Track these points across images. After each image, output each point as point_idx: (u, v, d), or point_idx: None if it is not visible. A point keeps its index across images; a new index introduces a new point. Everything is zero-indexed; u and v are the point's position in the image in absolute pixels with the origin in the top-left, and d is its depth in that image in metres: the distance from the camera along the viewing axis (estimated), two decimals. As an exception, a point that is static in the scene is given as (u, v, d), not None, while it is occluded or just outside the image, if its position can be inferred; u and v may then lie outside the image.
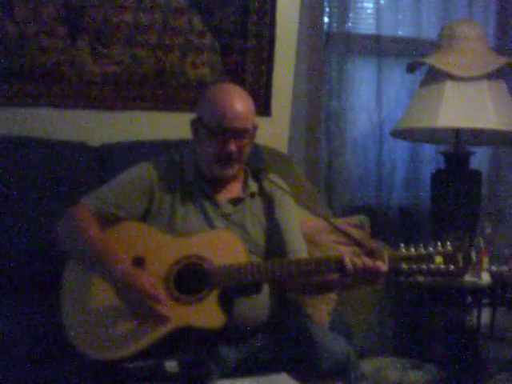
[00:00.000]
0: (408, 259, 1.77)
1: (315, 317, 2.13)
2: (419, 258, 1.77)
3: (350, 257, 1.75)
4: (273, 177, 2.04)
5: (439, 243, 1.79)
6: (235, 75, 2.83)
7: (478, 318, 2.84)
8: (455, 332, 2.74)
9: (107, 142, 2.61)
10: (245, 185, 2.00)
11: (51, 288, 1.83)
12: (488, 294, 2.72)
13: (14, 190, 2.33)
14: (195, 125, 1.96)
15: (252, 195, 1.99)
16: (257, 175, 2.01)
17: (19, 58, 2.61)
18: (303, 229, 2.16)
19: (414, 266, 1.77)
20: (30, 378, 1.76)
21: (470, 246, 2.60)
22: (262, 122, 2.84)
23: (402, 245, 1.79)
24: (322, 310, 2.16)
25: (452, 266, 1.77)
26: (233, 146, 1.86)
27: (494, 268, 2.63)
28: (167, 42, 2.77)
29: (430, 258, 1.77)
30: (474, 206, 2.91)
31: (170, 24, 2.76)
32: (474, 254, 2.61)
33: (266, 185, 2.02)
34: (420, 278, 2.51)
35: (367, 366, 2.39)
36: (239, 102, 1.88)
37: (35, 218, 2.28)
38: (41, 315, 1.96)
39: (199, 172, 1.96)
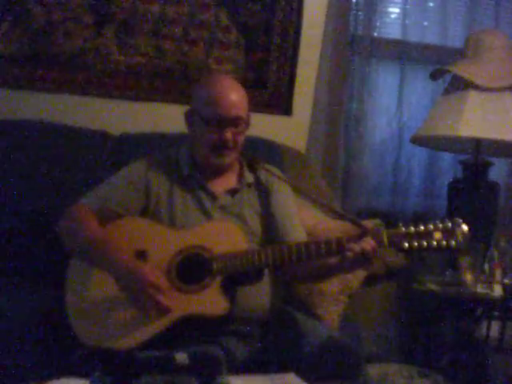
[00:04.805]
0: (407, 236, 1.77)
1: (325, 318, 2.14)
2: (418, 234, 1.77)
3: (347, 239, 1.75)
4: (268, 166, 2.04)
5: (437, 221, 1.79)
6: (258, 72, 2.83)
7: (488, 329, 2.83)
8: (464, 342, 2.72)
9: (127, 132, 2.61)
10: (241, 175, 2.01)
11: (58, 275, 1.84)
12: (499, 307, 2.70)
13: (32, 173, 2.35)
14: (190, 116, 1.99)
15: (249, 186, 2.01)
16: (252, 166, 2.01)
17: (44, 43, 2.64)
18: (315, 232, 2.16)
19: (415, 243, 1.76)
20: (38, 366, 1.76)
21: (484, 256, 2.62)
22: (282, 121, 2.89)
23: (401, 224, 1.79)
24: (332, 311, 2.16)
25: (452, 241, 1.76)
26: (228, 135, 1.89)
27: (506, 281, 2.62)
28: (192, 35, 2.78)
29: (429, 234, 1.77)
30: (489, 217, 2.89)
31: (196, 18, 2.77)
32: (486, 265, 2.61)
33: (262, 175, 2.03)
34: (433, 286, 2.51)
35: (374, 371, 2.37)
36: (232, 91, 1.92)
37: (52, 204, 2.27)
38: (47, 302, 1.94)
39: (195, 164, 1.98)
